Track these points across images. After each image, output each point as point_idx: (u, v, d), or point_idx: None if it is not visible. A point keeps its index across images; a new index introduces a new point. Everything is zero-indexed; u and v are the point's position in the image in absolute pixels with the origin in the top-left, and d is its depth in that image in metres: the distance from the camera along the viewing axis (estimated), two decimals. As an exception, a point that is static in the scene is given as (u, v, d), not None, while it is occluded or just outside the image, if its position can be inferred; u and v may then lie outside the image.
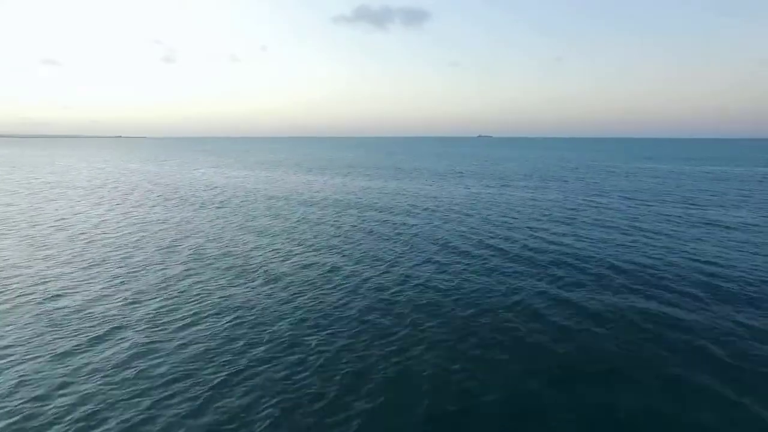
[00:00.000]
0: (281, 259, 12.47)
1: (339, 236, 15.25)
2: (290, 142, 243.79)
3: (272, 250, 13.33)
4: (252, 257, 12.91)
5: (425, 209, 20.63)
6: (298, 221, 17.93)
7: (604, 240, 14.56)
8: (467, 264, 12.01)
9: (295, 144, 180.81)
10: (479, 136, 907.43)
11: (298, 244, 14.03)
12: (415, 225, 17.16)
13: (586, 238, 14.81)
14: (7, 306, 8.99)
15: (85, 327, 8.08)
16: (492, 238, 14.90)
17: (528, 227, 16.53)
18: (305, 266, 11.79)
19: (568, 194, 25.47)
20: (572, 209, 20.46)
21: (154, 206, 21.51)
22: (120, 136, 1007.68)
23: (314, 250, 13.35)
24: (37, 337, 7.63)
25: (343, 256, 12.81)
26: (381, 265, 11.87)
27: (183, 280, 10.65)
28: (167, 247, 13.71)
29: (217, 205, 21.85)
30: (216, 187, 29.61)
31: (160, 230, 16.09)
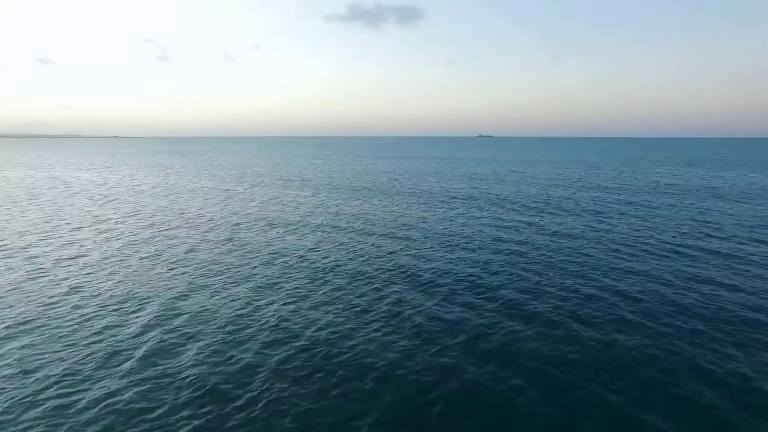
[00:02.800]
0: None
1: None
2: (286, 142, 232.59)
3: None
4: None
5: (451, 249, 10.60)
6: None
7: None
8: None
9: (290, 144, 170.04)
10: (479, 136, 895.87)
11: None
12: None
13: None
14: None
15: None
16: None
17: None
18: None
19: (665, 230, 15.23)
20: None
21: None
22: (117, 136, 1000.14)
23: None
24: None
25: None
26: None
27: None
28: None
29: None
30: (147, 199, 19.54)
31: None
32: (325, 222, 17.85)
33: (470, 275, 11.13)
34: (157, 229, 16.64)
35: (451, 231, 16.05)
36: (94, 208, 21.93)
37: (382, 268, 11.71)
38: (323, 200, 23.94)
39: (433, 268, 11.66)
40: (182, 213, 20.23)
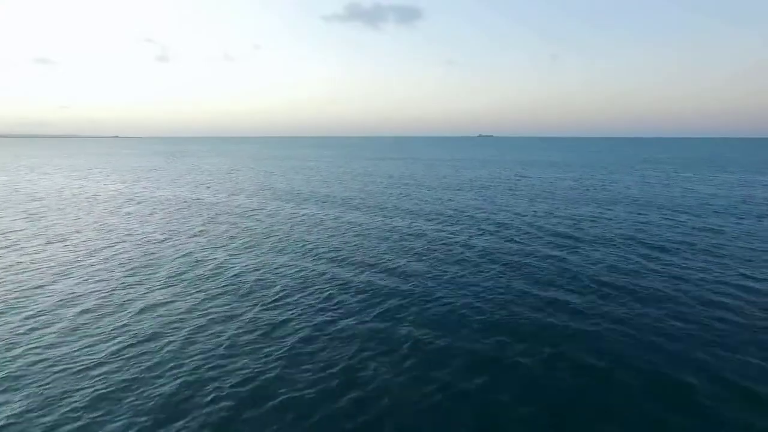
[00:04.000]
0: None
1: None
2: (286, 142, 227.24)
3: None
4: None
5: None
6: None
7: None
8: None
9: (289, 144, 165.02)
10: (479, 136, 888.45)
11: None
12: None
13: None
14: None
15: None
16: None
17: None
18: None
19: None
20: None
21: None
22: (117, 136, 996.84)
23: None
24: None
25: None
26: None
27: None
28: None
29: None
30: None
31: None
32: (274, 259, 13.38)
33: (482, 390, 6.67)
34: (61, 260, 12.19)
35: (453, 280, 11.51)
36: (17, 223, 17.67)
37: (338, 362, 7.25)
38: (292, 217, 19.44)
39: (420, 365, 7.20)
40: (110, 231, 15.79)
